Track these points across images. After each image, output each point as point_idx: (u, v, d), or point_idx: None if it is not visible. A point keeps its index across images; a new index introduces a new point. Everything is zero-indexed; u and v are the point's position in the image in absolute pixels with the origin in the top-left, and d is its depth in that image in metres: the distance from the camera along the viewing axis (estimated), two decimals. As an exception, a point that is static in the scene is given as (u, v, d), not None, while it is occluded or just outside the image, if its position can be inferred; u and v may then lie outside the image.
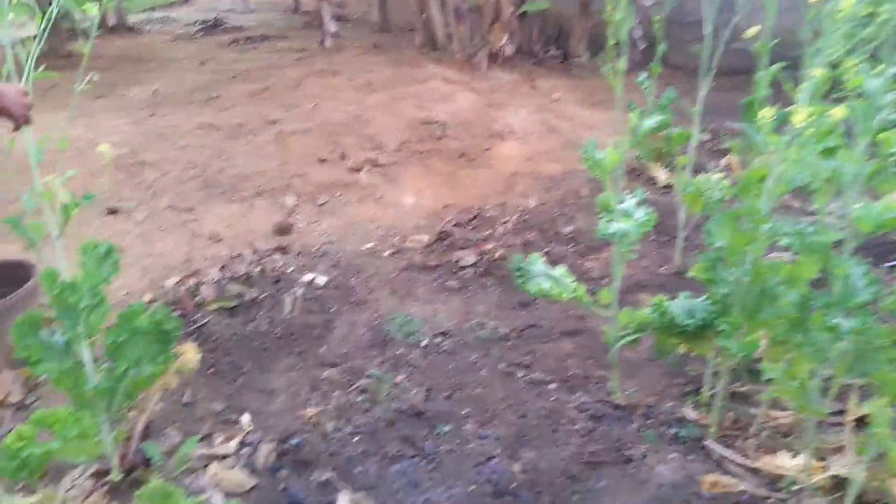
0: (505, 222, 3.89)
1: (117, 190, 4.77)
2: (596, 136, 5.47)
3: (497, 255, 3.43)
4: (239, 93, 6.42)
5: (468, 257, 3.46)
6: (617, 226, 2.06)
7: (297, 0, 11.48)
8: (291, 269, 3.65)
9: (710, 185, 3.09)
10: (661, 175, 4.41)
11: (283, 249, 3.96)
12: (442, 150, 5.08)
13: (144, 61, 8.04)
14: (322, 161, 4.92)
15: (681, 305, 2.08)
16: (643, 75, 4.04)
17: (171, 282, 3.70)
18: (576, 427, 2.32)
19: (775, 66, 3.81)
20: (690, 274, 2.70)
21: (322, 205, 4.48)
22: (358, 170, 4.80)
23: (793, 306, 1.84)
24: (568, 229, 3.81)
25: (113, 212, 4.47)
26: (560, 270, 2.32)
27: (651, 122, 3.68)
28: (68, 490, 2.25)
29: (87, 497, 2.21)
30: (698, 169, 4.15)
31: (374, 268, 3.58)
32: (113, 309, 3.48)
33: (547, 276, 2.26)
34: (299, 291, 3.20)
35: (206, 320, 3.01)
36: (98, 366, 2.15)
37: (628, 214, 2.18)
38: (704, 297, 2.16)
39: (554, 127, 5.65)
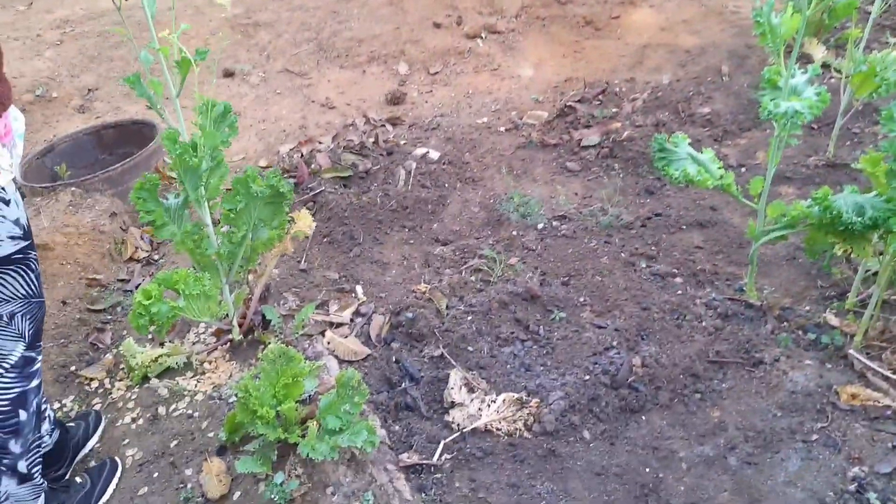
0: (634, 99, 3.59)
1: (233, 51, 4.77)
2: (741, 4, 4.88)
3: (624, 135, 3.18)
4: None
5: (592, 136, 3.24)
6: (787, 105, 1.79)
7: None
8: (404, 141, 3.57)
9: (885, 64, 2.67)
10: (818, 52, 3.88)
11: (395, 120, 3.86)
12: (566, 16, 4.69)
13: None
14: (437, 26, 4.68)
15: (848, 200, 1.83)
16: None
17: (286, 148, 3.72)
18: (702, 324, 2.18)
19: None
20: (858, 165, 2.40)
21: (436, 74, 4.30)
22: (475, 36, 4.53)
23: None
24: (704, 110, 3.47)
25: (229, 74, 4.49)
26: (708, 154, 2.09)
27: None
28: (193, 344, 2.39)
29: (210, 352, 2.33)
30: (868, 47, 3.63)
31: (490, 144, 3.43)
32: (231, 173, 3.59)
33: (692, 160, 2.04)
34: (412, 165, 3.12)
35: (321, 189, 3.01)
36: (217, 229, 2.19)
37: (798, 92, 1.89)
38: (874, 192, 1.89)
39: (694, -8, 5.06)
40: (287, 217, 2.25)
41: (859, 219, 1.78)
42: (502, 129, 3.58)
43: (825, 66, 3.84)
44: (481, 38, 4.52)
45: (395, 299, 2.40)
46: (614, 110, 3.46)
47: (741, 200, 2.08)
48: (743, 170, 3.09)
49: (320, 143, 3.70)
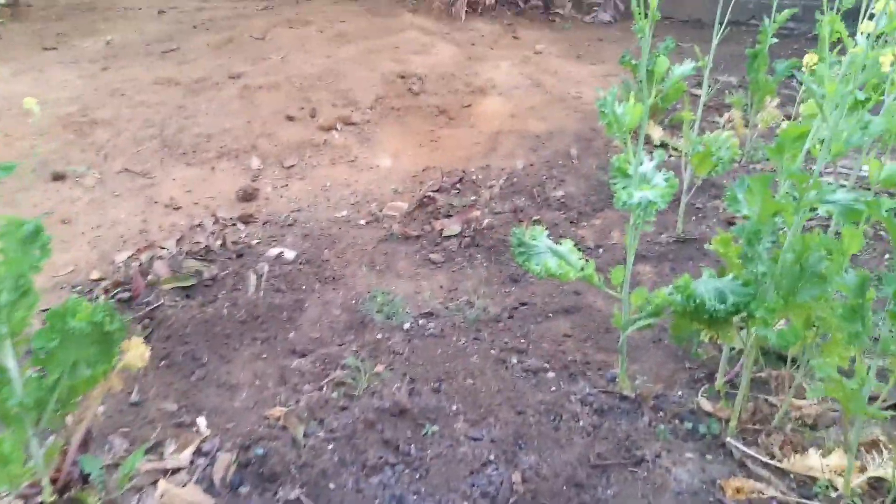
0: (491, 186, 3.53)
1: (65, 152, 4.30)
2: (583, 91, 5.10)
3: (484, 223, 3.08)
4: (201, 44, 5.90)
5: (452, 226, 3.11)
6: (640, 194, 1.71)
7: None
8: (257, 240, 3.27)
9: (719, 143, 2.76)
10: (656, 133, 4.06)
11: (247, 218, 3.56)
12: (420, 106, 4.67)
13: (99, 10, 7.39)
14: (290, 119, 4.48)
15: (709, 287, 1.76)
16: (641, 22, 3.65)
17: (122, 256, 3.30)
18: (580, 424, 2.02)
19: (784, 13, 3.45)
20: (708, 246, 2.39)
21: (290, 167, 4.07)
22: (329, 129, 4.38)
23: (850, 289, 1.53)
24: (558, 194, 3.47)
25: (59, 177, 4.02)
26: (567, 245, 1.98)
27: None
28: (-7, 512, 1.91)
29: (16, 521, 1.86)
30: (701, 128, 3.83)
31: (350, 238, 3.21)
32: (55, 289, 3.11)
33: (552, 253, 1.92)
34: (265, 268, 2.83)
35: (158, 302, 2.63)
36: (24, 370, 1.79)
37: (647, 179, 1.83)
38: (730, 276, 1.84)
39: (538, 81, 5.25)
40: (117, 355, 1.88)
41: (722, 306, 1.71)
42: (362, 222, 3.39)
43: (663, 145, 4.01)
44: (336, 129, 4.37)
45: (245, 429, 2.06)
46: (473, 198, 3.37)
47: (604, 290, 1.97)
48: (601, 251, 3.06)
49: (162, 248, 3.32)
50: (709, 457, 1.91)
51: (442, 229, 3.11)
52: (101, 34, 6.33)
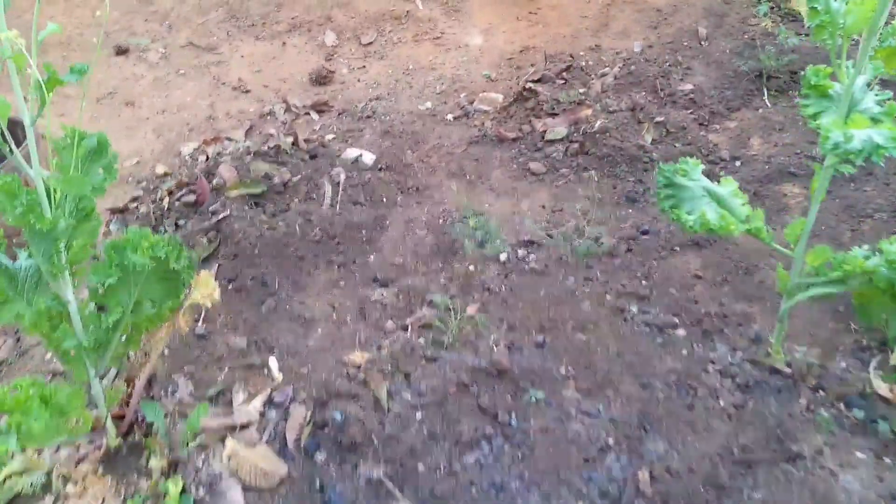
0: (603, 76, 2.96)
1: (128, 22, 3.93)
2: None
3: (596, 126, 2.57)
4: None
5: (557, 128, 2.62)
6: (861, 136, 1.21)
7: None
8: (332, 135, 2.89)
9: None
10: (804, 7, 3.29)
11: (321, 106, 3.17)
12: (517, -31, 3.98)
13: None
14: (369, -16, 3.92)
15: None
16: None
17: (188, 148, 3.01)
18: (720, 403, 1.65)
19: None
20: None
21: (369, 44, 3.58)
22: (413, -3, 3.80)
23: None
24: (686, 87, 2.88)
25: (123, 51, 3.68)
26: (728, 185, 1.51)
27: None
28: (56, 451, 1.75)
29: (78, 464, 1.71)
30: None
31: (436, 138, 2.78)
32: (121, 183, 2.87)
33: (710, 196, 1.46)
34: (342, 175, 2.46)
35: (225, 212, 2.34)
36: (84, 304, 1.56)
37: (857, 105, 1.31)
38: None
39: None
40: (184, 293, 1.62)
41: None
42: (450, 116, 2.93)
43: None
44: (421, -2, 3.79)
45: (322, 376, 1.79)
46: (581, 90, 2.83)
47: (777, 249, 1.52)
48: (738, 163, 2.53)
49: (230, 139, 3.00)
50: (887, 460, 1.52)
51: (545, 131, 2.63)
52: None
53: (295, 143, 2.66)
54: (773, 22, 3.15)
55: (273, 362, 1.86)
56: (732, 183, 1.52)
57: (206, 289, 1.66)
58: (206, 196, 2.46)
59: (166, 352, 1.90)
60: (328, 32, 3.67)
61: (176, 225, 2.47)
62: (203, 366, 1.87)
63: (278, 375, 1.82)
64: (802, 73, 2.83)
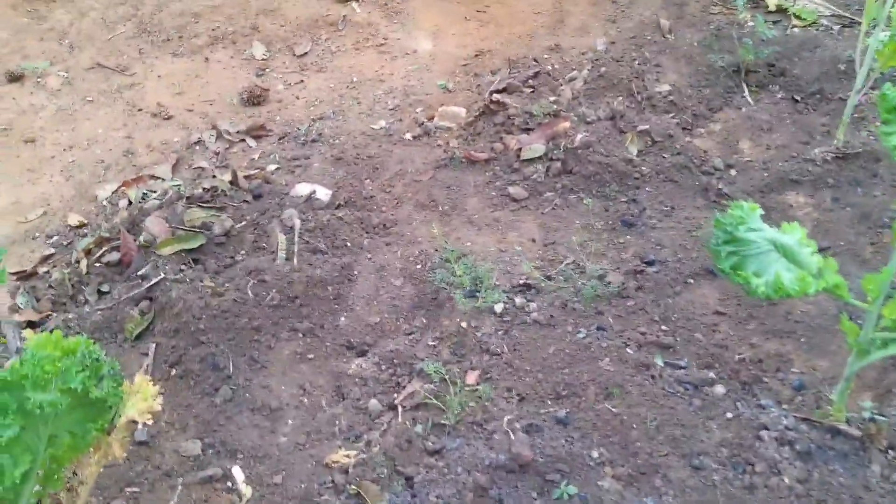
0: (572, 79, 2.68)
1: (20, 42, 3.39)
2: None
3: (577, 140, 2.28)
4: None
5: (534, 144, 2.31)
6: None
7: None
8: (275, 166, 2.50)
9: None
10: (771, -7, 3.11)
11: (258, 131, 2.76)
12: (458, -37, 3.64)
13: None
14: (297, -13, 3.50)
15: None
16: None
17: (105, 191, 2.56)
18: (783, 480, 1.39)
19: None
20: None
21: (304, 55, 3.18)
22: (347, 0, 3.42)
23: None
24: (663, 88, 2.62)
25: (16, 78, 3.15)
26: (794, 233, 1.24)
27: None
28: None
29: None
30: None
31: (397, 161, 2.44)
32: (26, 239, 2.40)
33: (778, 250, 1.18)
34: (295, 219, 2.08)
35: (158, 276, 1.93)
36: None
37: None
38: None
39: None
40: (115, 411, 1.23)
41: None
42: (409, 136, 2.59)
43: (780, 10, 3.08)
44: (356, 0, 3.41)
45: (300, 488, 1.44)
46: (552, 99, 2.53)
47: (853, 303, 1.26)
48: (734, 172, 2.30)
49: (154, 177, 2.57)
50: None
51: (520, 149, 2.32)
52: None
53: (234, 182, 2.27)
54: (749, 13, 2.93)
55: (237, 472, 1.50)
56: (797, 229, 1.24)
57: (143, 401, 1.28)
58: (133, 255, 2.05)
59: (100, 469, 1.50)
60: (256, 44, 3.25)
61: (99, 292, 2.05)
62: (149, 484, 1.48)
63: (246, 490, 1.46)
64: (781, 65, 2.63)
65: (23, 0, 3.58)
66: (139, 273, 1.98)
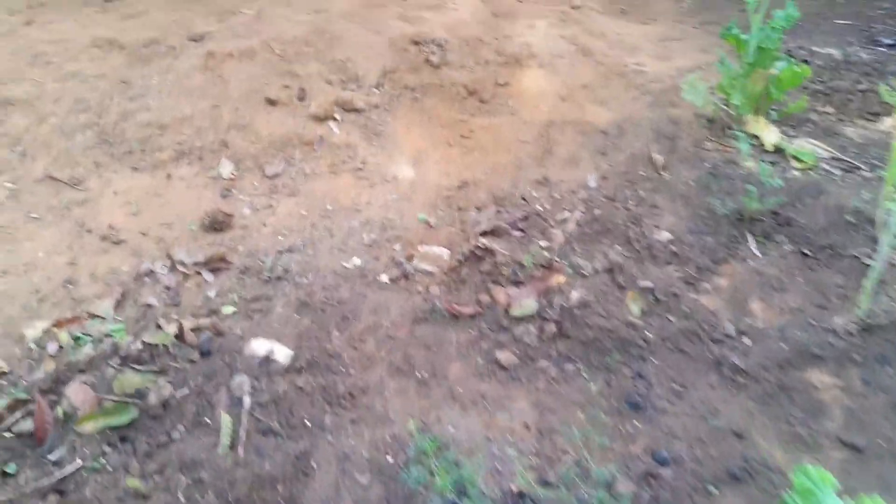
0: (564, 221, 2.46)
1: (-34, 147, 3.11)
2: (642, 60, 3.97)
3: (573, 298, 2.03)
4: (153, -10, 4.57)
5: (525, 300, 2.05)
6: None
7: None
8: (231, 309, 2.19)
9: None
10: (769, 133, 2.99)
11: (217, 263, 2.47)
12: (443, 84, 3.51)
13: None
14: (272, 102, 3.31)
15: None
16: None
17: (35, 331, 2.21)
18: None
19: None
20: None
21: (275, 177, 2.94)
22: (325, 118, 3.22)
23: None
24: (663, 236, 2.41)
25: (-45, 189, 2.85)
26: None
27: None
28: None
29: None
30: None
31: (370, 310, 2.15)
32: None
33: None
34: (245, 387, 1.76)
35: (74, 464, 1.57)
36: None
37: None
38: None
39: (585, 47, 4.09)
40: None
41: None
42: (385, 277, 2.31)
43: (777, 150, 2.95)
44: (335, 119, 3.22)
45: None
46: (544, 245, 2.30)
47: None
48: (746, 339, 2.04)
49: (93, 316, 2.24)
50: None
51: (509, 304, 2.05)
52: (27, -28, 4.93)
53: (180, 336, 1.95)
54: (752, 158, 2.78)
55: None
56: (878, 501, 0.96)
57: None
58: (48, 430, 1.69)
59: None
60: (224, 161, 3.00)
61: (3, 474, 1.67)
62: None
63: None
64: (787, 213, 2.44)
65: (-23, 102, 3.32)
66: (52, 456, 1.62)
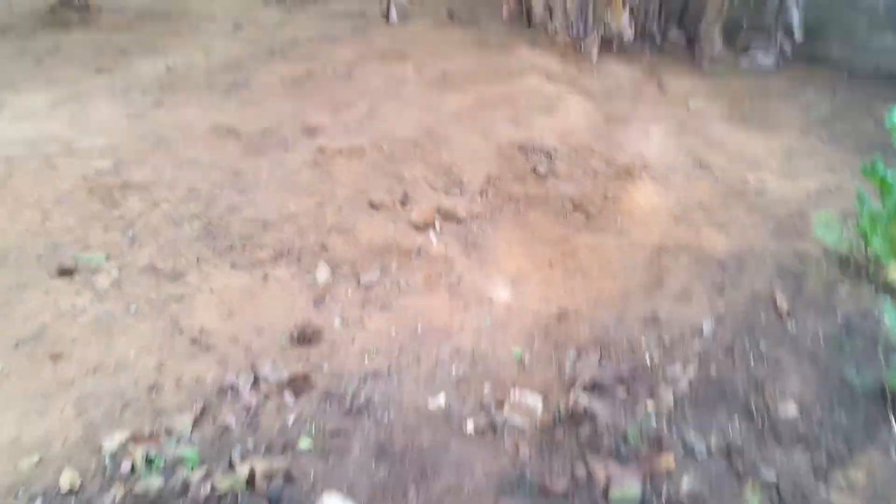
0: (674, 379, 2.21)
1: (85, 230, 3.22)
2: (764, 177, 3.68)
3: (683, 486, 1.77)
4: (274, 77, 4.76)
5: (628, 480, 1.81)
6: None
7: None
8: (306, 443, 2.07)
9: None
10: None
11: (301, 384, 2.38)
12: (548, 196, 3.37)
13: (172, 19, 6.39)
14: (374, 206, 3.27)
15: None
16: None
17: (113, 443, 2.17)
18: None
19: None
20: None
21: (369, 287, 2.86)
22: (425, 226, 3.14)
23: None
24: (790, 412, 2.10)
25: (66, 272, 2.93)
26: None
27: None
28: None
29: None
30: None
31: (452, 467, 1.97)
32: (7, 495, 2.01)
33: None
34: (311, 560, 1.61)
35: None
36: None
37: None
38: None
39: (702, 159, 3.86)
40: None
41: None
42: (470, 425, 2.14)
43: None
44: (434, 229, 3.13)
45: None
46: (650, 408, 2.05)
47: None
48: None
49: (169, 433, 2.18)
50: None
51: (608, 484, 1.82)
52: (164, 53, 5.30)
53: (251, 482, 1.84)
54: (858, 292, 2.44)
55: None
56: None
57: None
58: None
59: None
60: (321, 266, 2.96)
61: None
62: None
63: None
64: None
65: (102, 185, 3.48)
66: None
